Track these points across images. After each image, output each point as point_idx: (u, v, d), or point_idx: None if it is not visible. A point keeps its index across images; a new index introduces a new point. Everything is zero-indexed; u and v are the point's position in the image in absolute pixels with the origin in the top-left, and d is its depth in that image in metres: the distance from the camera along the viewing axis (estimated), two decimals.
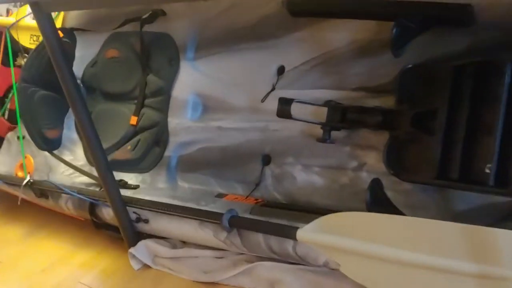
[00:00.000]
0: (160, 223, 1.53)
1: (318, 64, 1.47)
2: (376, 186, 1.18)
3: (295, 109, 1.34)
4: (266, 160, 1.56)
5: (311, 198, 1.44)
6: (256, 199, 1.54)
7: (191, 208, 1.44)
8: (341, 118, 1.27)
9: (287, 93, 1.54)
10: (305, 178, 1.47)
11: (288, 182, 1.50)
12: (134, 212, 1.58)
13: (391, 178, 1.28)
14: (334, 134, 1.37)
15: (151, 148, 1.83)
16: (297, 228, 1.17)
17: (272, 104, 1.56)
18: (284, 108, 1.31)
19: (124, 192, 1.60)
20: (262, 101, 1.58)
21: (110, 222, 1.67)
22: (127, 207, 1.56)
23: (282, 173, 1.52)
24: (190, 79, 1.77)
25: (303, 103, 1.32)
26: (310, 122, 1.32)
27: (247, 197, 1.56)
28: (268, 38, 1.56)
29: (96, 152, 1.45)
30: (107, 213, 1.66)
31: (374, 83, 1.35)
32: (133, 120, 1.88)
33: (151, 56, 1.86)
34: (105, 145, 1.57)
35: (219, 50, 1.70)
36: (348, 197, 1.37)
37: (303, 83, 1.51)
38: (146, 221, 1.56)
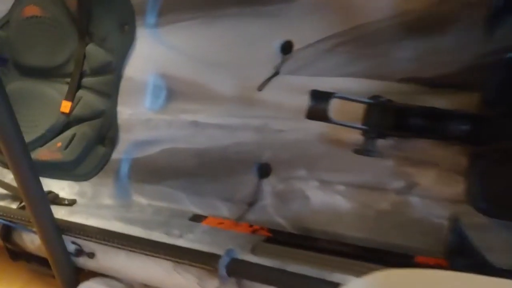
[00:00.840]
0: (113, 260, 1.08)
1: (345, 42, 1.07)
2: (459, 228, 0.81)
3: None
4: (264, 170, 1.15)
5: (332, 228, 1.05)
6: (251, 226, 1.12)
7: (162, 243, 0.99)
8: (398, 122, 0.88)
9: (296, 80, 1.14)
10: (323, 199, 1.08)
11: (298, 204, 1.10)
12: (73, 243, 1.10)
13: (456, 207, 0.92)
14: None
15: (92, 147, 1.33)
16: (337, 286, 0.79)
17: (275, 94, 1.15)
18: (319, 107, 0.90)
19: (55, 210, 1.10)
20: (260, 89, 1.15)
21: (35, 253, 1.18)
22: (63, 236, 1.08)
23: (288, 190, 1.12)
24: (151, 53, 1.30)
25: (347, 99, 0.90)
26: (353, 127, 0.92)
27: (237, 221, 1.13)
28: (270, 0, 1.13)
29: (13, 148, 0.94)
30: (30, 240, 1.19)
31: (430, 73, 0.98)
32: (65, 106, 1.37)
33: (92, 18, 1.35)
34: None
35: (194, 14, 1.24)
36: (388, 230, 1.00)
37: (320, 68, 1.11)
38: (91, 255, 1.09)
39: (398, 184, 1.02)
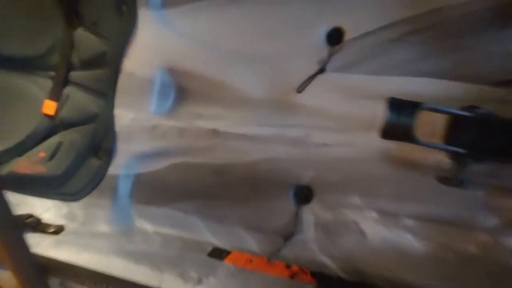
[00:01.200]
0: None
1: (419, 30, 0.83)
2: None
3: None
4: (304, 195, 0.91)
5: (396, 273, 0.81)
6: (289, 267, 0.88)
7: None
8: (505, 143, 0.64)
9: (348, 80, 0.89)
10: (384, 235, 0.84)
11: (350, 240, 0.87)
12: (61, 285, 0.87)
13: None
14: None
15: (84, 159, 1.08)
16: None
17: (319, 96, 0.90)
18: (401, 122, 0.65)
19: (38, 240, 0.86)
20: (299, 90, 0.90)
21: None
22: (48, 277, 0.85)
23: (336, 221, 0.88)
24: (157, 41, 1.04)
25: (438, 111, 0.65)
26: (448, 151, 0.67)
27: (270, 259, 0.89)
28: None
29: None
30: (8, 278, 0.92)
31: None
32: (49, 106, 1.11)
33: None
34: None
35: None
36: (474, 280, 0.76)
37: (382, 64, 0.87)
38: None
39: (491, 221, 0.78)
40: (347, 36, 0.89)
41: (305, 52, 0.92)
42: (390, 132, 0.68)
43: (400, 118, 0.68)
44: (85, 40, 1.07)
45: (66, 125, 1.10)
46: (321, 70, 0.90)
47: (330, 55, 0.90)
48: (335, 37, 0.90)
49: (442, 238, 0.81)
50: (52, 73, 1.11)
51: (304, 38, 0.92)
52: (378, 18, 0.86)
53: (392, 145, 0.84)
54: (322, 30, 0.91)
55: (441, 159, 0.76)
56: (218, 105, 0.99)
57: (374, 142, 0.85)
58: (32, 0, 1.12)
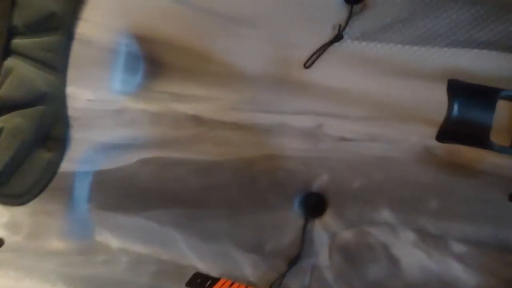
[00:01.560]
0: None
1: None
2: None
3: None
4: (315, 205, 0.72)
5: None
6: None
7: None
8: None
9: (374, 51, 0.69)
10: (424, 263, 0.65)
11: (377, 269, 0.67)
12: None
13: None
14: None
15: (30, 150, 0.88)
16: None
17: (335, 73, 0.70)
18: (473, 120, 0.45)
19: None
20: (308, 65, 0.69)
21: None
22: None
23: (358, 242, 0.68)
24: (123, 0, 0.81)
25: None
26: None
27: None
28: None
29: None
30: None
31: None
32: None
33: None
34: None
35: None
36: None
37: (421, 30, 0.67)
38: None
39: None
40: None
41: (317, 14, 0.71)
42: (453, 133, 0.48)
43: (471, 112, 0.48)
44: None
45: (8, 106, 0.89)
46: (337, 38, 0.70)
47: (349, 17, 0.69)
48: None
49: (503, 271, 0.62)
50: None
51: None
52: None
53: (438, 143, 0.64)
54: None
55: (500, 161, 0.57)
56: (202, 84, 0.79)
57: (412, 136, 0.66)
58: None
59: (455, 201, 0.65)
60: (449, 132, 0.49)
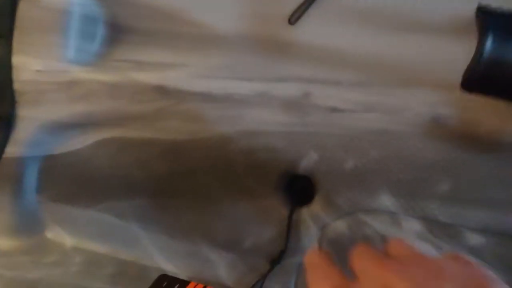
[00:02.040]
0: None
1: None
2: None
3: None
4: (302, 191, 0.63)
5: None
6: None
7: None
8: None
9: (372, 2, 0.60)
10: None
11: None
12: None
13: None
14: None
15: None
16: None
17: (323, 31, 0.62)
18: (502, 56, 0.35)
19: None
20: (291, 21, 0.61)
21: None
22: None
23: (354, 235, 0.59)
24: None
25: None
26: None
27: None
28: None
29: None
30: None
31: None
32: None
33: None
34: None
35: None
36: None
37: None
38: None
39: None
40: None
41: None
42: (486, 78, 0.40)
43: (510, 49, 0.39)
44: None
45: None
46: None
47: None
48: None
49: None
50: None
51: None
52: None
53: (448, 110, 0.56)
54: None
55: None
56: (168, 49, 0.70)
57: (418, 104, 0.57)
58: None
59: (470, 183, 0.56)
60: (479, 76, 0.40)
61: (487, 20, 0.39)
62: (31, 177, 0.79)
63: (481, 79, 0.38)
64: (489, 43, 0.38)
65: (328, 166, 0.63)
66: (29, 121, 0.79)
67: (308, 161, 0.64)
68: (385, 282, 0.35)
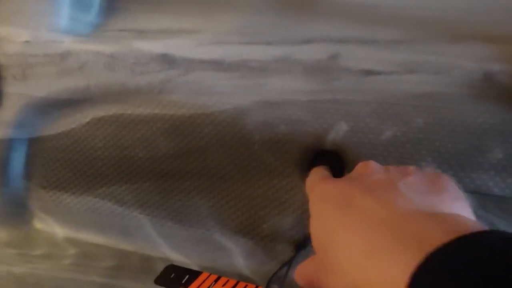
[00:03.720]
0: None
1: None
2: None
3: None
4: (329, 166, 0.52)
5: None
6: None
7: None
8: None
9: None
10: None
11: None
12: None
13: None
14: None
15: None
16: None
17: None
18: None
19: None
20: None
21: None
22: None
23: None
24: None
25: None
26: None
27: (271, 285, 0.51)
28: None
29: None
30: None
31: None
32: None
33: None
34: None
35: None
36: None
37: None
38: None
39: None
40: None
41: None
42: None
43: None
44: None
45: None
46: None
47: None
48: None
49: None
50: None
51: None
52: None
53: (504, 66, 0.47)
54: None
55: None
56: (174, 14, 0.60)
57: (466, 60, 0.48)
58: None
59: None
60: None
61: None
62: (18, 162, 0.68)
63: None
64: None
65: (361, 138, 0.54)
66: (16, 98, 0.68)
67: (336, 134, 0.55)
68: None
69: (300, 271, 0.40)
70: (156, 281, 0.56)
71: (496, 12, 0.48)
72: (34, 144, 0.67)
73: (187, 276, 0.56)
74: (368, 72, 0.53)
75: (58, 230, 0.65)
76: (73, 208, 0.66)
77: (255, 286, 0.52)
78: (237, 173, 0.59)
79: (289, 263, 0.55)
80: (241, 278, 0.57)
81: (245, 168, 0.58)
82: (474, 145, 0.49)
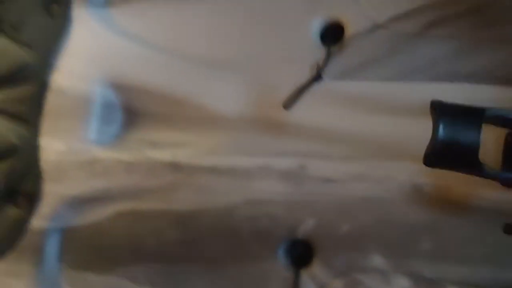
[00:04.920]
0: None
1: (448, 20, 0.63)
2: None
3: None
4: (301, 254, 0.67)
5: None
6: None
7: None
8: None
9: (354, 89, 0.68)
10: None
11: None
12: None
13: None
14: None
15: None
16: None
17: (316, 113, 0.69)
18: (461, 141, 0.42)
19: None
20: (287, 106, 0.68)
21: None
22: None
23: None
24: (97, 48, 0.82)
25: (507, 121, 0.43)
26: None
27: None
28: None
29: None
30: None
31: None
32: None
33: None
34: None
35: None
36: None
37: (399, 66, 0.67)
38: None
39: None
40: (348, 32, 0.69)
41: (294, 54, 0.71)
42: (441, 156, 0.46)
43: (457, 132, 0.46)
44: (2, 49, 0.84)
45: None
46: (317, 78, 0.70)
47: (327, 58, 0.69)
48: (332, 33, 0.70)
49: None
50: None
51: (293, 35, 0.72)
52: (390, 6, 0.66)
53: (426, 179, 0.62)
54: (316, 24, 0.70)
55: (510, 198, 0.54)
56: (179, 129, 0.77)
57: (399, 174, 0.63)
58: None
59: (449, 241, 0.62)
60: (436, 155, 0.47)
61: (438, 111, 0.46)
62: (53, 248, 0.82)
63: (438, 157, 0.45)
64: (440, 129, 0.45)
65: (324, 231, 0.68)
66: (52, 196, 0.84)
67: (306, 227, 0.69)
68: None
69: None
70: None
71: (417, 139, 0.63)
72: (66, 233, 0.82)
73: None
74: (327, 180, 0.68)
75: None
76: (96, 285, 0.79)
77: None
78: (229, 257, 0.73)
79: None
80: None
81: (235, 254, 0.73)
82: (409, 238, 0.64)
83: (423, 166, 0.63)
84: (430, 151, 0.47)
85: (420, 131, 0.65)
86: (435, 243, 0.62)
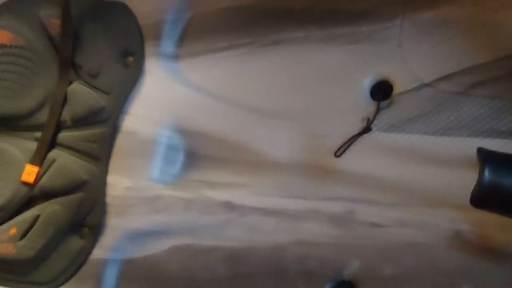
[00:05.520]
0: None
1: (489, 82, 0.69)
2: None
3: None
4: None
5: None
6: None
7: None
8: None
9: (401, 141, 0.74)
10: None
11: None
12: None
13: None
14: None
15: (63, 237, 0.91)
16: None
17: (365, 161, 0.76)
18: (505, 184, 0.47)
19: None
20: (338, 154, 0.75)
21: None
22: None
23: None
24: (165, 97, 0.92)
25: None
26: None
27: None
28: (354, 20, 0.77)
29: None
30: None
31: None
32: (29, 173, 0.97)
33: (81, 44, 0.97)
34: None
35: (234, 42, 0.89)
36: None
37: (444, 122, 0.72)
38: None
39: None
40: (397, 90, 0.76)
41: (346, 108, 0.79)
42: (486, 197, 0.51)
43: (502, 178, 0.51)
44: (81, 94, 0.96)
45: (47, 194, 0.95)
46: (366, 130, 0.76)
47: (377, 112, 0.76)
48: (381, 90, 0.77)
49: None
50: (38, 134, 0.99)
51: (344, 91, 0.80)
52: (437, 67, 0.73)
53: (466, 226, 0.66)
54: (367, 82, 0.78)
55: None
56: (235, 172, 0.84)
57: (442, 221, 0.68)
58: (27, 51, 1.02)
59: (488, 286, 0.65)
60: (482, 196, 0.52)
61: (484, 156, 0.51)
62: (111, 278, 0.89)
63: (483, 198, 0.50)
64: (486, 173, 0.50)
65: (368, 273, 0.72)
66: (114, 229, 0.91)
67: (351, 268, 0.74)
68: None
69: None
70: None
71: (461, 188, 0.68)
72: (125, 264, 0.88)
73: None
74: (374, 225, 0.73)
75: None
76: None
77: None
78: None
79: None
80: None
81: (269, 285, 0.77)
82: (449, 282, 0.67)
83: (464, 214, 0.68)
84: (476, 193, 0.52)
85: (462, 182, 0.70)
86: (479, 286, 0.65)
